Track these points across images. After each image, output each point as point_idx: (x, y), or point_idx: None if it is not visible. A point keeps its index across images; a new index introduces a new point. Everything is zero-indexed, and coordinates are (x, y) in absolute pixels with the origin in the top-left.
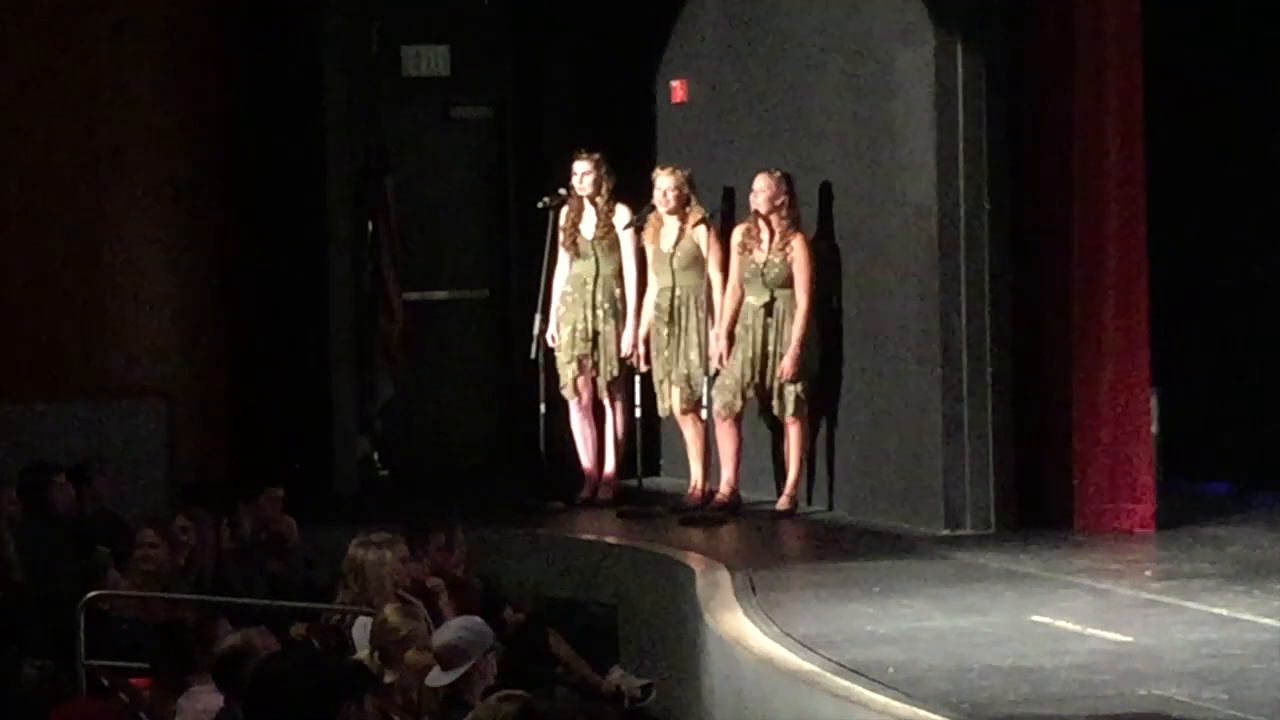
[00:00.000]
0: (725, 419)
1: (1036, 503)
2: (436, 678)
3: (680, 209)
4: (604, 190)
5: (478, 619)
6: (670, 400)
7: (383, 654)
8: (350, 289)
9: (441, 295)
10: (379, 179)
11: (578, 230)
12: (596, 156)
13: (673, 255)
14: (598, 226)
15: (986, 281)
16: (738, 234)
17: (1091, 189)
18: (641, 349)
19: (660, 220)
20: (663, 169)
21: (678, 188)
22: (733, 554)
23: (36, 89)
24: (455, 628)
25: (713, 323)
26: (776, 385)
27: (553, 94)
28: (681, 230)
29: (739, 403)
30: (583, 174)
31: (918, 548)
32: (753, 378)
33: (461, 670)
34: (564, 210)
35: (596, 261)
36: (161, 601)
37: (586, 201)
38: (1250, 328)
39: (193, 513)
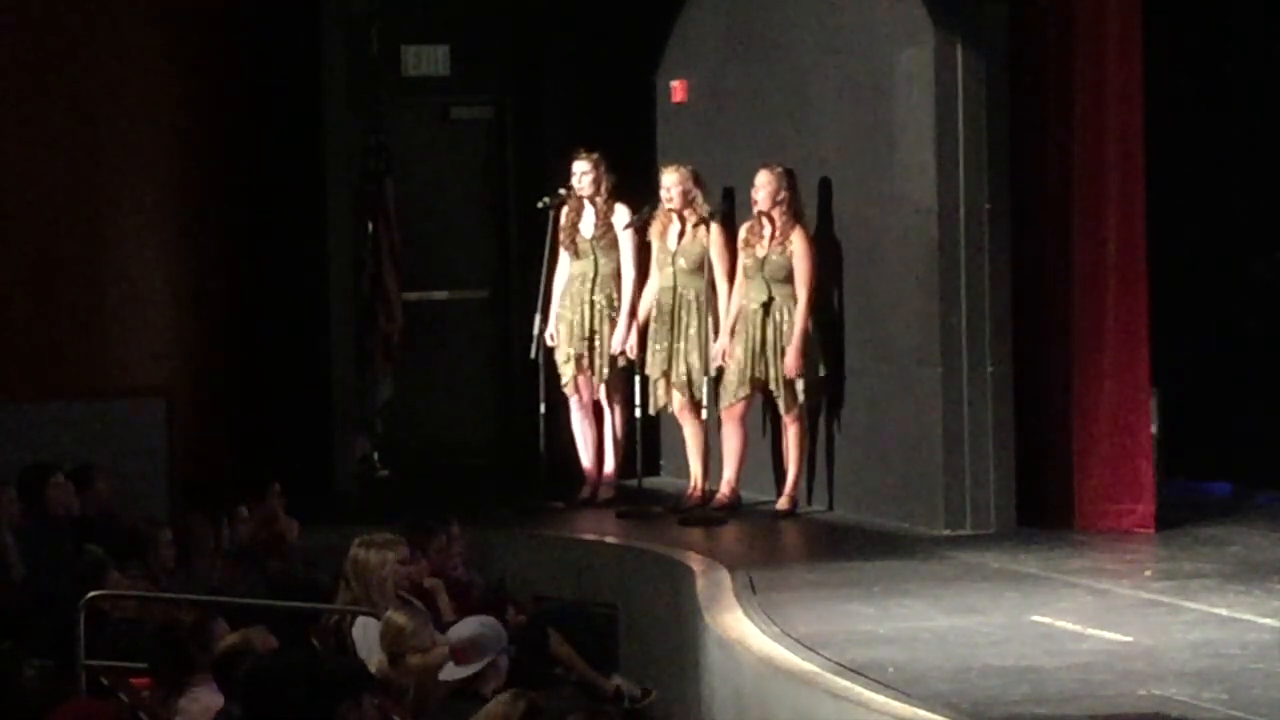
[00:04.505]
0: (730, 415)
1: (1036, 503)
2: (451, 671)
3: (687, 204)
4: (603, 190)
5: (493, 619)
6: (667, 398)
7: (392, 656)
8: (350, 289)
9: (441, 295)
10: (379, 179)
11: (577, 230)
12: (595, 156)
13: (676, 255)
14: (596, 226)
15: (986, 281)
16: (742, 232)
17: (1091, 189)
18: (634, 339)
19: (668, 218)
20: (666, 166)
21: (680, 184)
22: (733, 554)
23: (34, 88)
24: (474, 624)
25: (714, 325)
26: (781, 382)
27: (553, 94)
28: (686, 229)
29: (745, 391)
30: (582, 174)
31: (918, 548)
32: (755, 372)
33: (477, 667)
34: (564, 210)
35: (595, 261)
36: (161, 601)
37: (586, 201)
38: (1250, 328)
39: (178, 527)
